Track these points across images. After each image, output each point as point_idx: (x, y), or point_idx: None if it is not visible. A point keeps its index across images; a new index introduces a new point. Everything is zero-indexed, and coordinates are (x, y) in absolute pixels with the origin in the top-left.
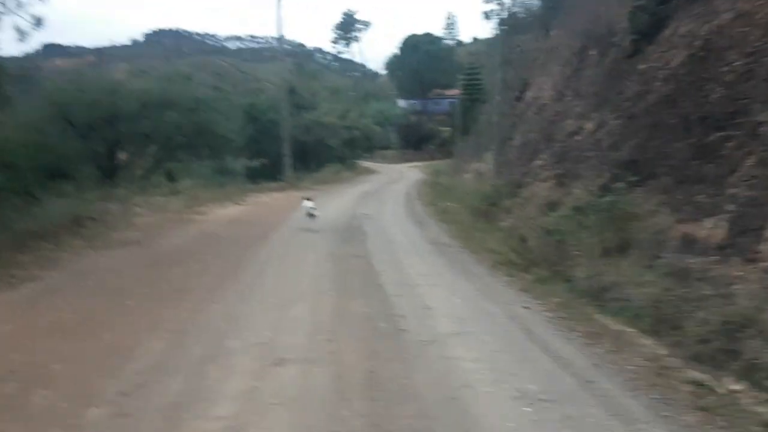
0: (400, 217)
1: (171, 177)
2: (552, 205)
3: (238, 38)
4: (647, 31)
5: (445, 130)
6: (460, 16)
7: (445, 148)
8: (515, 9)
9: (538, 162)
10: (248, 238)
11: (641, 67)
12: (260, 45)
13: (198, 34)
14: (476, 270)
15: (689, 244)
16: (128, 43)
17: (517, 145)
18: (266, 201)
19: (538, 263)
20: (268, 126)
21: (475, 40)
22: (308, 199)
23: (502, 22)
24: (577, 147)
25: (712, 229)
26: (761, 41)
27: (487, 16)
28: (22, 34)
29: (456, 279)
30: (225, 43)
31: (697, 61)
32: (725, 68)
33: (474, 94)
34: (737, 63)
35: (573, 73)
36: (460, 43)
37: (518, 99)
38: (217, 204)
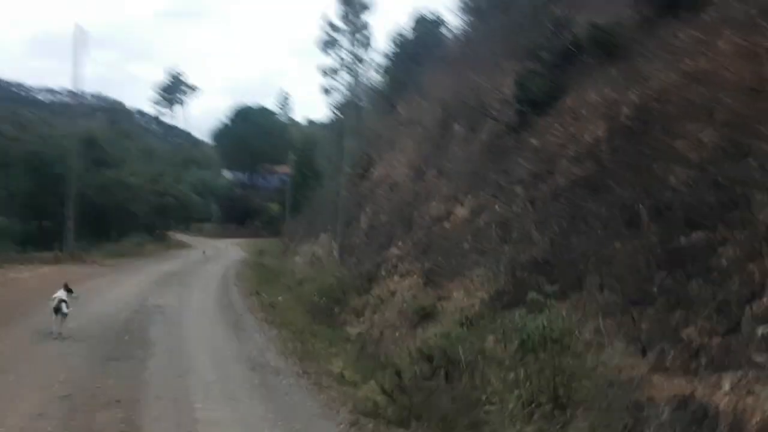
0: (208, 313)
1: None
2: (424, 313)
3: (53, 91)
4: (542, 99)
5: (274, 207)
6: (295, 95)
7: (272, 226)
8: (359, 83)
9: (395, 251)
10: None
11: (534, 142)
12: (77, 100)
13: (9, 84)
14: None
15: (692, 413)
16: None
17: (365, 228)
18: (24, 279)
19: (421, 415)
20: (53, 181)
21: (310, 122)
22: (66, 289)
23: (346, 97)
24: (448, 236)
25: (734, 393)
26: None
27: (326, 91)
28: None
29: None
30: (38, 96)
31: (628, 134)
32: (681, 142)
33: (306, 172)
34: (707, 135)
35: (434, 149)
36: (293, 122)
37: (362, 177)
38: None
